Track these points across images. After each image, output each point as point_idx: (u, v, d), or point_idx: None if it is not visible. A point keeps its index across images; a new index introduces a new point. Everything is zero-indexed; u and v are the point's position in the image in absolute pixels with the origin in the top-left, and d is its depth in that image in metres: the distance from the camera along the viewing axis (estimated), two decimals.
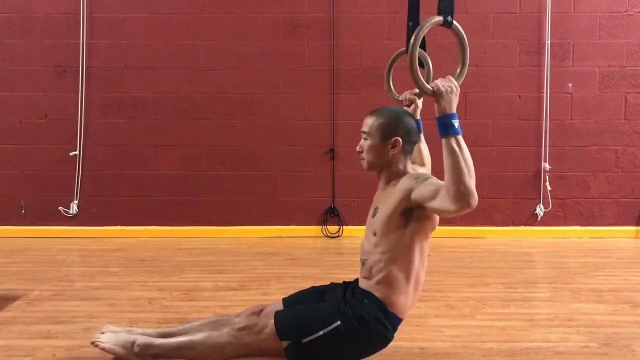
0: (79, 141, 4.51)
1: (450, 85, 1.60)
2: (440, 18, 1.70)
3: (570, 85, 4.51)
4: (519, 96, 4.53)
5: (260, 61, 4.51)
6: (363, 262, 1.93)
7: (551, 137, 4.51)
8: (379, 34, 4.50)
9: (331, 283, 2.11)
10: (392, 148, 1.87)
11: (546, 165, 4.48)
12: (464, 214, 1.58)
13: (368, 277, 1.89)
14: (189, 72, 4.52)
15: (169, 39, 4.50)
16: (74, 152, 4.51)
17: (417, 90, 2.06)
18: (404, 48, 1.99)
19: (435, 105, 1.60)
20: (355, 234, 4.47)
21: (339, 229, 4.54)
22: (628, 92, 4.51)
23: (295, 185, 4.58)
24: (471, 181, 1.52)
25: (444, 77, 1.63)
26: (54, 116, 4.52)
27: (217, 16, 4.49)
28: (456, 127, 1.56)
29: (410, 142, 1.92)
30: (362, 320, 1.82)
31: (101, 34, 4.49)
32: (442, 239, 4.14)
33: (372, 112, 1.95)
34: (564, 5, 4.47)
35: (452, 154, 1.53)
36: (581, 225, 4.57)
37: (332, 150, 4.55)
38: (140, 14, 4.48)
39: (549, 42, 4.45)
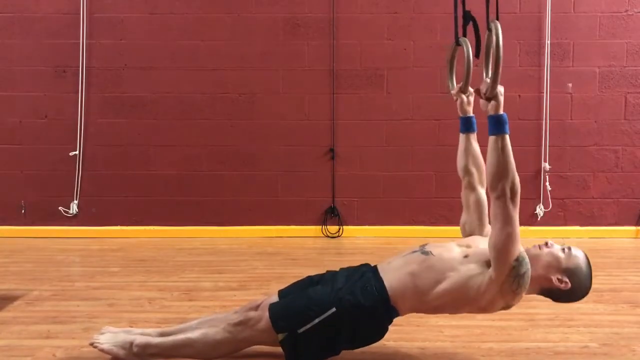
0: (79, 141, 4.51)
1: (501, 87, 1.65)
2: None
3: (570, 85, 4.51)
4: (519, 96, 4.52)
5: (260, 61, 4.51)
6: (424, 252, 1.89)
7: (551, 137, 4.51)
8: (379, 34, 4.49)
9: (327, 271, 2.09)
10: (559, 282, 1.83)
11: (546, 165, 4.48)
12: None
13: (404, 265, 1.87)
14: (189, 72, 4.52)
15: (169, 39, 4.50)
16: (74, 152, 4.51)
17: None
18: (454, 42, 1.96)
19: (494, 104, 1.64)
20: (355, 234, 4.47)
21: (339, 229, 4.54)
22: (628, 92, 4.51)
23: (295, 185, 4.58)
24: (507, 182, 1.65)
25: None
26: (54, 116, 4.51)
27: (217, 16, 4.49)
28: (506, 127, 1.65)
29: (558, 299, 1.89)
30: (358, 307, 1.82)
31: (101, 34, 4.49)
32: (441, 239, 4.10)
33: (582, 252, 1.90)
34: (564, 5, 4.47)
35: (498, 151, 1.63)
36: (581, 225, 4.57)
37: (332, 150, 4.55)
38: (140, 14, 4.48)
39: (549, 42, 4.45)
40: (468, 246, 1.92)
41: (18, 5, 4.46)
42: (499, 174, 1.64)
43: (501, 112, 1.64)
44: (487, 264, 1.78)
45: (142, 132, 4.54)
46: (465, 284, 1.79)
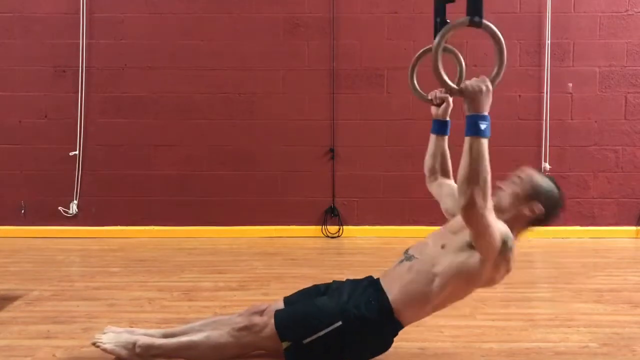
0: (79, 141, 4.51)
1: (480, 86, 1.58)
2: (466, 18, 1.64)
3: (571, 85, 4.51)
4: (519, 96, 4.52)
5: (260, 61, 4.51)
6: (408, 258, 1.90)
7: (551, 137, 4.51)
8: (379, 34, 4.50)
9: (333, 281, 2.10)
10: (532, 211, 1.83)
11: (546, 165, 4.48)
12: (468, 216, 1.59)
13: (398, 276, 1.87)
14: (189, 72, 4.52)
15: (169, 39, 4.50)
16: (74, 152, 4.51)
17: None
18: (429, 46, 1.94)
19: (465, 105, 1.59)
20: (355, 234, 4.47)
21: (339, 229, 4.54)
22: (628, 92, 4.51)
23: (295, 185, 4.58)
24: (477, 189, 1.53)
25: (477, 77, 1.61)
26: (54, 116, 4.52)
27: (217, 16, 4.49)
28: (482, 129, 1.56)
29: (543, 222, 1.87)
30: (364, 321, 1.81)
31: (101, 34, 4.49)
32: None
33: (532, 170, 1.93)
34: (564, 5, 4.47)
35: (469, 153, 1.55)
36: (581, 225, 4.57)
37: (332, 150, 4.55)
38: (140, 14, 4.48)
39: (549, 42, 4.45)
40: (442, 236, 1.92)
41: (18, 5, 4.46)
42: (469, 179, 1.55)
43: (474, 112, 1.57)
44: (468, 244, 1.75)
45: (142, 132, 4.54)
46: (457, 274, 1.79)
